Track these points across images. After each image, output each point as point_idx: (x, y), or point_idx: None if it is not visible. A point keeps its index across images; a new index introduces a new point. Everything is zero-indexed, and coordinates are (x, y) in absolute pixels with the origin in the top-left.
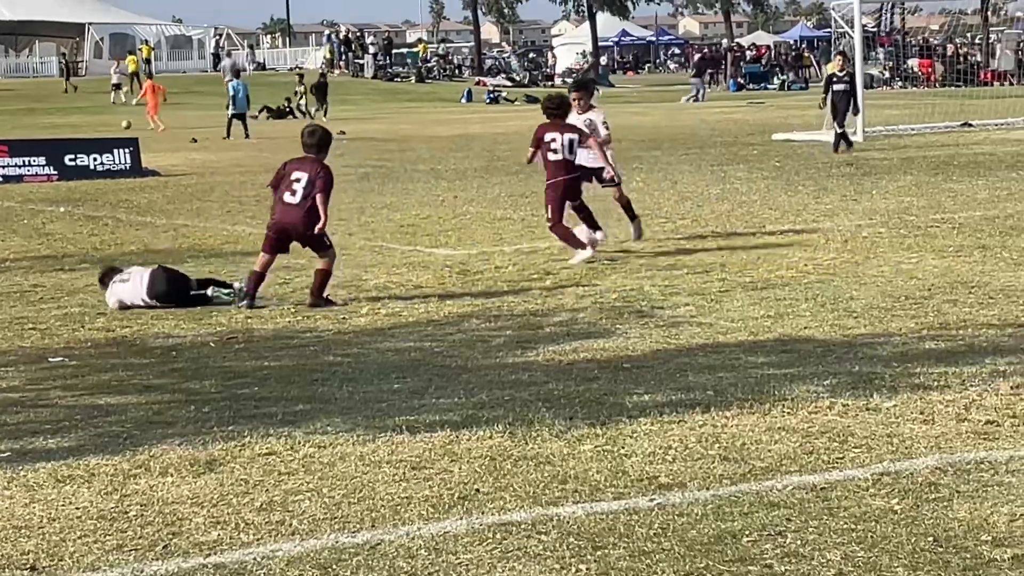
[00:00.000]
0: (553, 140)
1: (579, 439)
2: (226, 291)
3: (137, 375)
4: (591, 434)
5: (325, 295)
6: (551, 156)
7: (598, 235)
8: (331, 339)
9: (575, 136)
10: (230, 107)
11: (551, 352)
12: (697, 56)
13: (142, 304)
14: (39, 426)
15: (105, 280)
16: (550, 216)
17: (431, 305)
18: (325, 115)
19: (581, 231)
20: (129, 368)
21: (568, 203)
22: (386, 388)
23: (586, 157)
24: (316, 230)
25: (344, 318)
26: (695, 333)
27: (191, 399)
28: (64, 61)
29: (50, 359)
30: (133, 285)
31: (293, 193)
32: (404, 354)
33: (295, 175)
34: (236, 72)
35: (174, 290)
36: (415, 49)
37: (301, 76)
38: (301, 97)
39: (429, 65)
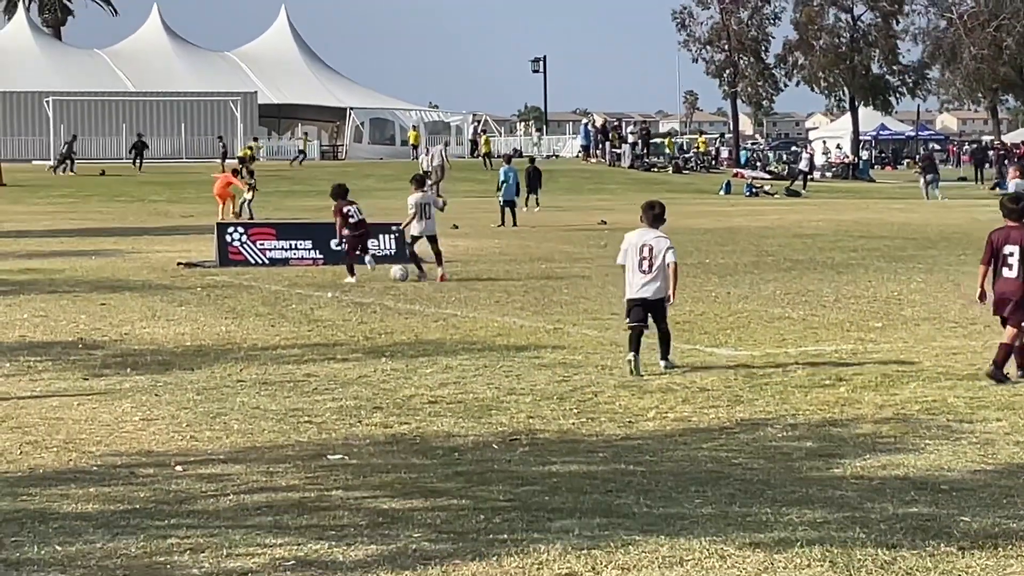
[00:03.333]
0: None
1: (908, 572)
2: None
3: (420, 477)
4: (920, 566)
5: (1005, 371)
6: None
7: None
8: (620, 444)
9: None
10: (500, 194)
11: (858, 468)
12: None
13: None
14: (323, 531)
15: None
16: None
17: (721, 411)
18: (537, 204)
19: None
20: (411, 469)
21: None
22: (686, 503)
23: None
24: None
25: (630, 422)
26: (1014, 453)
27: (479, 507)
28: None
29: (328, 456)
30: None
31: (1010, 267)
32: (699, 464)
33: (1007, 249)
34: (508, 158)
35: None
36: (678, 139)
37: (245, 161)
38: (249, 191)
39: (687, 156)
